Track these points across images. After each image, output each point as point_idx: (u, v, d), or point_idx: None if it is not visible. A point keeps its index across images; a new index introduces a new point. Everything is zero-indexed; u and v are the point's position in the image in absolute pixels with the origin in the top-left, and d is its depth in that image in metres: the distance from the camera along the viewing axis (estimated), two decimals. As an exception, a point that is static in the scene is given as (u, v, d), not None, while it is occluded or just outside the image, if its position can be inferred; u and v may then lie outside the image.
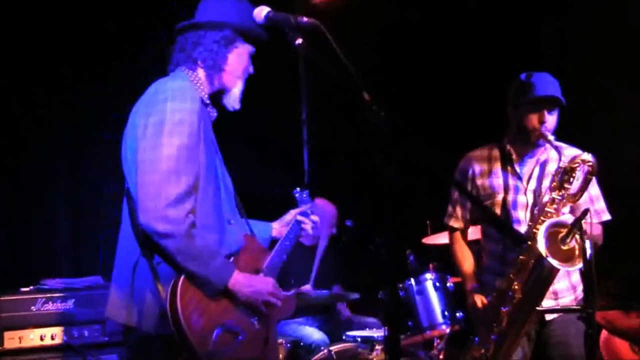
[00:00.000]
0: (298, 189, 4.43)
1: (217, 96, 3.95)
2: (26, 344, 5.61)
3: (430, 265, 6.31)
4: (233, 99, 3.97)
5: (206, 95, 3.90)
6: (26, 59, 6.71)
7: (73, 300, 5.78)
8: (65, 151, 7.09)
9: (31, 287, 5.82)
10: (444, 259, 6.11)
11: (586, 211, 4.18)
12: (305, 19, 3.63)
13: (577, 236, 4.15)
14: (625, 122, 6.42)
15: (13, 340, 5.57)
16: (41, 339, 5.64)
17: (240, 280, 3.72)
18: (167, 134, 3.59)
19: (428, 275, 6.04)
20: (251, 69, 3.99)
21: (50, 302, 5.72)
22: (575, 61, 5.13)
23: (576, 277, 4.85)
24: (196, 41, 3.89)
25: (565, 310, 4.81)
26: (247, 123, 4.48)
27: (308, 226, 4.27)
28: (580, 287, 4.86)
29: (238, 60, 3.93)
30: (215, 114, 3.97)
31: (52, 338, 5.67)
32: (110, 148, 6.89)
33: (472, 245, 5.23)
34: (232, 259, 3.81)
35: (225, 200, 3.90)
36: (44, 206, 7.00)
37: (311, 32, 3.73)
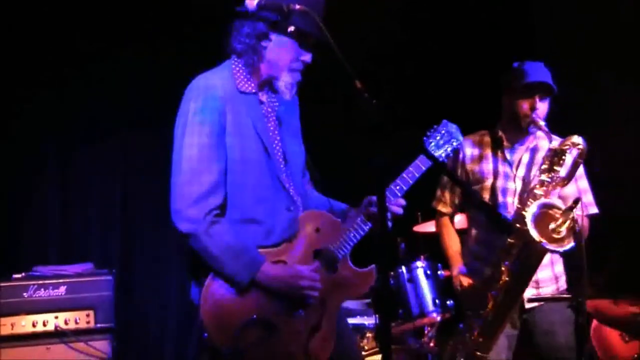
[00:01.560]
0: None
1: (271, 84, 3.96)
2: (18, 330, 5.66)
3: (421, 253, 6.26)
4: (281, 90, 3.94)
5: (251, 85, 3.93)
6: (20, 49, 6.74)
7: (65, 287, 5.82)
8: (56, 138, 7.10)
9: (23, 274, 5.85)
10: (435, 248, 6.13)
11: (577, 200, 4.21)
12: (297, 6, 3.74)
13: (569, 222, 4.19)
14: (616, 114, 6.39)
15: (5, 326, 5.63)
16: (33, 325, 5.69)
17: (268, 274, 3.77)
18: (189, 135, 3.74)
19: (419, 264, 6.07)
20: (306, 59, 3.92)
21: (42, 289, 5.76)
22: (566, 53, 5.11)
23: (559, 268, 4.93)
24: (236, 31, 3.93)
25: (555, 299, 4.83)
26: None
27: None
28: (562, 278, 4.95)
29: (277, 51, 3.89)
30: (274, 99, 4.01)
31: (44, 324, 5.72)
32: (102, 135, 7.11)
33: (459, 234, 5.26)
34: (283, 245, 3.86)
35: (280, 185, 3.91)
36: (35, 194, 7.02)
37: (302, 20, 3.74)
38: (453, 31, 7.75)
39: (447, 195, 5.18)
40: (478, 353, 4.67)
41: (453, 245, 5.15)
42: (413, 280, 5.99)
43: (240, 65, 3.92)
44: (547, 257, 4.72)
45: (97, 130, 7.09)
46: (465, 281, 4.85)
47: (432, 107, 7.49)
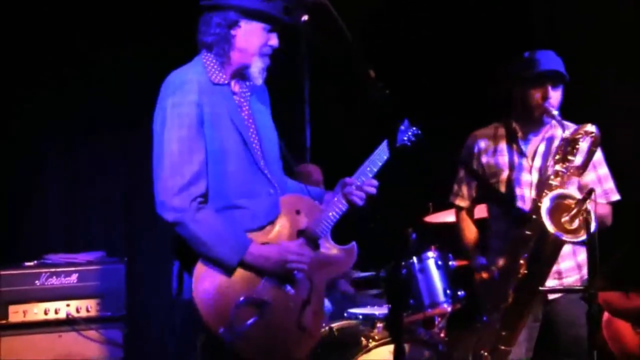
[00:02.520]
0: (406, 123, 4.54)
1: (242, 73, 4.16)
2: (30, 317, 5.74)
3: (432, 244, 6.16)
4: (253, 76, 4.15)
5: (223, 76, 4.11)
6: (20, 48, 6.76)
7: (76, 274, 5.90)
8: (62, 126, 7.10)
9: (35, 262, 5.91)
10: (446, 238, 6.12)
11: (591, 191, 4.18)
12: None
13: (582, 213, 4.20)
14: (616, 108, 6.36)
15: (17, 314, 5.69)
16: (45, 313, 5.77)
17: (256, 253, 3.95)
18: (168, 130, 3.92)
19: (430, 254, 5.97)
20: (274, 43, 4.14)
21: (54, 277, 5.84)
22: (567, 51, 5.08)
23: (582, 257, 4.79)
24: (205, 25, 4.13)
25: (566, 291, 4.80)
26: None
27: (355, 198, 4.27)
28: (586, 267, 4.80)
29: (246, 38, 4.08)
30: (245, 89, 4.21)
31: (56, 312, 5.79)
32: (111, 123, 7.12)
33: (478, 223, 5.24)
34: (267, 227, 4.07)
35: (259, 171, 4.11)
36: (46, 182, 7.04)
37: (316, 10, 3.75)
38: (452, 28, 7.70)
39: (465, 189, 5.15)
40: (502, 347, 4.64)
41: (472, 238, 5.14)
42: (424, 270, 5.90)
43: (211, 58, 4.11)
44: (569, 247, 4.70)
45: (100, 123, 7.12)
46: (485, 274, 4.82)
47: (444, 97, 7.59)
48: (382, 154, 4.31)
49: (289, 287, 4.04)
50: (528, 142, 4.90)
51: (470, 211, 5.20)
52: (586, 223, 4.15)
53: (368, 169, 4.29)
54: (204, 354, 3.99)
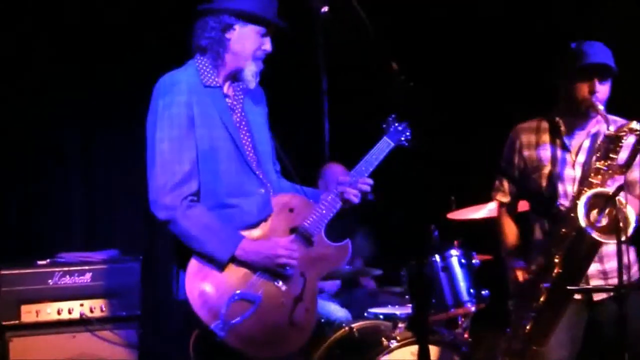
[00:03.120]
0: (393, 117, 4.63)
1: (236, 76, 4.28)
2: (43, 317, 5.70)
3: (455, 241, 6.17)
4: (247, 79, 4.27)
5: (216, 79, 4.23)
6: (40, 36, 6.81)
7: (90, 273, 5.85)
8: (80, 122, 7.14)
9: (48, 261, 5.88)
10: (470, 235, 6.17)
11: (621, 187, 4.12)
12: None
13: (621, 209, 4.15)
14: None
15: (30, 314, 5.65)
16: (58, 312, 5.73)
17: (247, 249, 4.05)
18: (159, 130, 4.05)
19: (453, 252, 5.94)
20: (267, 47, 4.26)
21: (67, 276, 5.80)
22: (613, 39, 5.00)
23: (631, 257, 4.65)
24: (200, 29, 4.24)
25: (594, 290, 4.71)
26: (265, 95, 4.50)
27: (350, 195, 4.34)
28: (635, 267, 4.80)
29: (241, 42, 4.21)
30: (239, 91, 4.33)
31: (70, 312, 5.75)
32: (126, 120, 6.88)
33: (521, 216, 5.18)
34: (259, 225, 4.16)
35: (250, 171, 4.20)
36: (59, 179, 7.05)
37: (336, 0, 3.75)
38: (488, 16, 7.61)
39: (506, 184, 5.07)
40: (534, 347, 4.59)
41: (511, 237, 5.04)
42: (447, 269, 5.88)
43: (204, 62, 4.22)
44: (613, 247, 4.48)
45: (120, 116, 7.08)
46: (521, 275, 4.76)
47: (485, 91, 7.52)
48: (379, 152, 4.46)
49: (281, 283, 4.12)
50: (572, 136, 4.81)
51: (512, 207, 5.11)
52: (622, 221, 4.09)
53: (364, 167, 4.40)
54: (197, 349, 4.08)
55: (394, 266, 6.29)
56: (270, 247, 4.09)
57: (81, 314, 5.74)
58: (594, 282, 4.67)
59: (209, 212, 4.07)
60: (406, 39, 7.19)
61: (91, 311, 5.77)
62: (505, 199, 5.08)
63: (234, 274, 4.04)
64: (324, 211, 4.27)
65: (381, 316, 6.18)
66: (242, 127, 4.27)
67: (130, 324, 5.85)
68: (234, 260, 4.03)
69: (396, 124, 4.56)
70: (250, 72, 4.24)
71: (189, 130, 4.06)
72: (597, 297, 4.73)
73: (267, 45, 4.25)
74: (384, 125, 4.59)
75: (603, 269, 4.71)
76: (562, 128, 4.81)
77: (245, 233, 4.10)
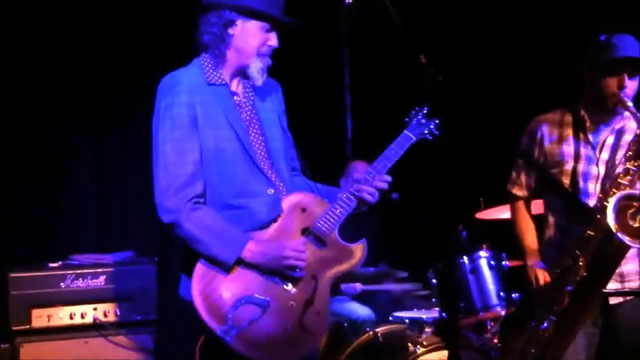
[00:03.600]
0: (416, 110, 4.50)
1: (243, 73, 4.26)
2: (55, 322, 5.67)
3: (484, 242, 5.95)
4: (253, 76, 4.23)
5: (221, 77, 4.22)
6: (52, 36, 6.86)
7: (104, 276, 5.83)
8: (92, 122, 7.16)
9: (60, 263, 5.85)
10: (499, 236, 5.95)
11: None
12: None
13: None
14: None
15: (41, 318, 5.62)
16: (71, 317, 5.71)
17: (253, 250, 4.01)
18: (161, 132, 4.05)
19: (482, 253, 5.76)
20: (273, 43, 4.22)
21: (80, 279, 5.77)
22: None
23: None
24: (203, 25, 4.23)
25: (626, 294, 4.70)
26: (285, 91, 4.45)
27: (364, 194, 4.24)
28: None
29: (243, 38, 4.18)
30: (249, 88, 4.31)
31: (82, 316, 5.73)
32: (137, 119, 6.98)
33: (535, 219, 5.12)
34: (269, 226, 4.13)
35: (257, 171, 4.18)
36: (71, 179, 7.05)
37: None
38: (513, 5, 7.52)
39: (523, 177, 5.02)
40: (555, 352, 4.55)
41: (528, 233, 5.00)
42: (476, 271, 5.71)
43: (208, 60, 4.21)
44: (633, 250, 4.50)
45: (136, 113, 6.88)
46: (541, 275, 4.72)
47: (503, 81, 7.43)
48: (399, 147, 4.35)
49: (290, 286, 4.08)
50: (597, 132, 4.75)
51: (527, 202, 5.07)
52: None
53: (381, 163, 4.30)
54: (203, 354, 4.04)
55: (420, 268, 6.15)
56: (277, 248, 4.05)
57: (94, 319, 5.71)
58: (610, 285, 4.60)
59: (215, 213, 4.06)
60: (435, 29, 7.13)
61: (105, 315, 5.75)
62: (522, 192, 5.05)
63: (241, 277, 4.02)
64: (337, 210, 4.19)
65: (407, 320, 6.11)
66: (252, 125, 4.25)
67: (146, 328, 5.83)
68: (241, 262, 4.01)
69: (419, 117, 4.44)
70: (256, 68, 4.21)
71: (191, 131, 4.06)
72: (612, 300, 4.70)
73: (273, 41, 4.21)
74: (406, 119, 4.47)
75: (620, 271, 4.65)
76: (587, 123, 4.74)
77: (254, 234, 4.08)
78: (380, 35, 3.60)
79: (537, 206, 5.21)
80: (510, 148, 5.09)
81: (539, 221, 5.06)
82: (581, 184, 4.70)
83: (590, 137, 4.73)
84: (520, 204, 5.08)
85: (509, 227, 5.27)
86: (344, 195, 4.21)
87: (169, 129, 4.03)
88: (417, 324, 5.88)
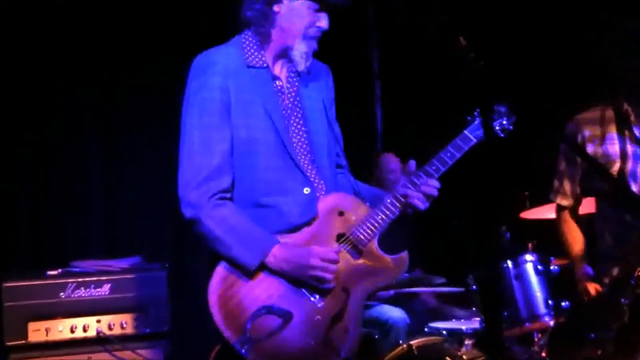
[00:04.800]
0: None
1: (286, 55, 4.13)
2: (54, 336, 5.49)
3: (530, 245, 5.99)
4: (295, 60, 4.13)
5: (262, 58, 4.11)
6: (58, 37, 6.96)
7: (109, 285, 5.66)
8: (100, 122, 7.25)
9: (59, 270, 5.69)
10: (546, 237, 5.96)
11: None
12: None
13: None
14: None
15: (39, 332, 5.45)
16: (72, 330, 5.52)
17: (278, 256, 3.89)
18: (189, 117, 3.98)
19: (528, 257, 5.73)
20: (323, 25, 4.11)
21: (82, 288, 5.60)
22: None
23: None
24: (246, 2, 4.13)
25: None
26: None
27: (415, 200, 4.08)
28: None
29: (289, 17, 4.07)
30: (294, 73, 4.20)
31: (85, 329, 5.55)
32: (145, 121, 7.31)
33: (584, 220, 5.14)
34: (300, 229, 4.00)
35: (294, 166, 4.05)
36: (73, 179, 7.06)
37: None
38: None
39: (567, 185, 4.99)
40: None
41: (576, 245, 4.98)
42: (521, 276, 5.68)
43: (250, 38, 4.12)
44: None
45: (144, 114, 7.22)
46: (592, 287, 4.70)
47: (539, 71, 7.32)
48: (457, 149, 4.15)
49: (317, 298, 3.95)
50: None
51: (574, 211, 5.04)
52: None
53: (434, 167, 4.11)
54: None
55: (459, 274, 6.21)
56: (303, 255, 3.91)
57: (98, 332, 5.57)
58: None
59: (240, 212, 3.95)
60: (477, 8, 7.09)
61: (110, 328, 5.60)
62: (567, 201, 5.03)
63: (264, 284, 3.91)
64: (379, 217, 4.03)
65: (444, 332, 6.08)
66: (293, 115, 4.13)
67: (156, 342, 5.69)
68: (264, 267, 3.90)
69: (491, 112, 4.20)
70: (299, 52, 4.09)
71: (222, 118, 3.94)
72: None
73: (323, 23, 4.09)
74: (468, 117, 4.22)
75: None
76: (632, 117, 4.71)
77: (282, 237, 3.96)
78: (414, 15, 3.48)
79: (588, 205, 5.17)
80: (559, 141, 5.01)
81: (589, 221, 5.07)
82: (632, 186, 4.66)
83: (636, 131, 4.67)
84: (566, 214, 5.06)
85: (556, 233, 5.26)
86: (388, 200, 4.05)
87: (198, 115, 3.94)
88: (456, 336, 5.82)
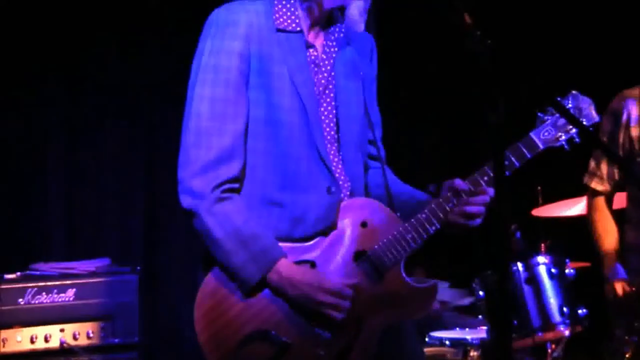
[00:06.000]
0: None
1: (334, 16, 3.67)
2: (12, 347, 5.37)
3: (543, 245, 6.01)
4: (353, 19, 3.71)
5: (296, 20, 3.61)
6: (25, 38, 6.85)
7: (73, 290, 5.54)
8: (59, 116, 7.10)
9: (18, 274, 5.54)
10: (561, 237, 6.05)
11: None
12: None
13: None
14: None
15: None
16: (32, 341, 5.40)
17: (283, 275, 3.46)
18: (200, 84, 3.54)
19: (541, 259, 5.72)
20: None
21: (43, 293, 5.48)
22: None
23: None
24: None
25: None
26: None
27: (473, 209, 3.52)
28: None
29: None
30: (333, 42, 3.70)
31: (47, 340, 5.43)
32: (110, 118, 7.26)
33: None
34: (313, 239, 3.55)
35: (318, 159, 3.58)
36: (33, 175, 6.90)
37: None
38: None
39: (604, 168, 4.84)
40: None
41: (608, 237, 4.82)
42: (533, 281, 5.68)
43: None
44: None
45: (108, 103, 7.17)
46: (621, 287, 4.56)
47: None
48: (517, 157, 3.59)
49: (322, 331, 3.50)
50: None
51: (609, 199, 4.90)
52: None
53: (486, 177, 3.52)
54: None
55: (464, 278, 6.18)
56: (311, 285, 3.45)
57: (62, 342, 5.43)
58: None
59: (247, 211, 3.50)
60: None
61: (74, 338, 5.48)
62: (602, 186, 4.88)
63: (261, 304, 3.48)
64: (410, 235, 3.49)
65: (447, 342, 6.09)
66: (325, 93, 3.63)
67: (126, 354, 5.59)
68: (265, 284, 3.45)
69: (557, 115, 3.63)
70: (358, 7, 3.67)
71: (238, 91, 3.51)
72: None
73: None
74: (540, 114, 3.66)
75: None
76: None
77: (289, 246, 3.51)
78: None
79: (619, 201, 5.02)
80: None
81: (620, 217, 4.89)
82: None
83: None
84: (600, 201, 4.88)
85: (573, 226, 5.45)
86: (423, 215, 3.49)
87: (210, 83, 3.51)
88: (460, 346, 5.97)
